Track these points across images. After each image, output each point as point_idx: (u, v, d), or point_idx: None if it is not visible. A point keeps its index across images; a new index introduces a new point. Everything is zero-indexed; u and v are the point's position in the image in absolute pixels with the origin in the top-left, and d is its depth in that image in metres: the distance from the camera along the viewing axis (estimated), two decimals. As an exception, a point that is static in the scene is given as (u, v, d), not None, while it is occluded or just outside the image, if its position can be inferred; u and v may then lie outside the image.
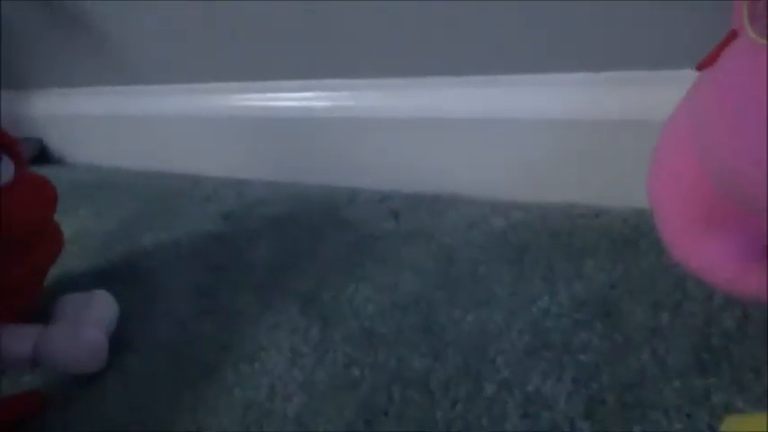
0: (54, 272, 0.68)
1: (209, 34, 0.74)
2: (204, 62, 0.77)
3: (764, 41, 0.30)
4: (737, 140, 0.31)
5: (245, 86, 0.77)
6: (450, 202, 0.63)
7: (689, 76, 0.38)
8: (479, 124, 0.60)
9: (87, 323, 0.58)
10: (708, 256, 0.36)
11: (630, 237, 0.52)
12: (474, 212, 0.61)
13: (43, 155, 1.03)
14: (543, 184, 0.59)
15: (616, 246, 0.52)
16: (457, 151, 0.63)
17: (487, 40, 0.57)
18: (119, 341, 0.61)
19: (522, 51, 0.56)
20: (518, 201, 0.60)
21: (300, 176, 0.76)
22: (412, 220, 0.63)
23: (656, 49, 0.50)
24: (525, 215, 0.58)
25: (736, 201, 0.33)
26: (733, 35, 0.34)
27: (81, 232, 0.81)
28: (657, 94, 0.47)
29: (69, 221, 0.79)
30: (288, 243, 0.67)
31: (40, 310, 0.63)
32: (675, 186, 0.37)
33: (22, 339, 0.57)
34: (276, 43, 0.70)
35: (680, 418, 0.40)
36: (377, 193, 0.69)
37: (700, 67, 0.35)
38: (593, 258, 0.52)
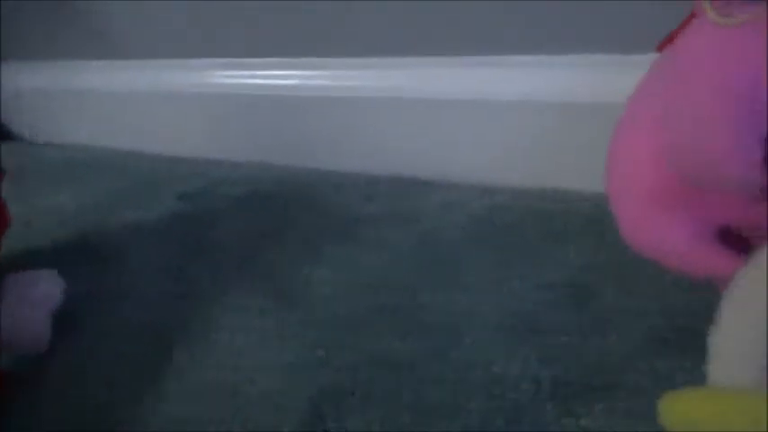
0: (13, 251, 0.66)
1: (188, 8, 0.72)
2: (182, 38, 0.75)
3: (724, 21, 0.30)
4: (693, 114, 0.31)
5: (223, 63, 0.75)
6: (430, 185, 0.63)
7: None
8: (463, 106, 0.60)
9: (29, 303, 0.57)
10: (661, 235, 0.37)
11: (608, 221, 0.52)
12: (454, 195, 0.61)
13: (1, 131, 1.00)
14: (525, 167, 0.59)
15: (595, 230, 0.52)
16: (440, 133, 0.62)
17: (476, 20, 0.56)
18: (83, 321, 0.60)
19: (510, 32, 0.55)
20: (499, 184, 0.60)
21: (278, 158, 0.75)
22: (391, 203, 0.63)
23: (640, 32, 0.49)
24: (505, 198, 0.58)
25: (693, 179, 0.34)
26: (692, 16, 0.34)
27: (43, 211, 0.79)
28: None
29: (31, 200, 0.78)
30: (261, 224, 0.66)
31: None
32: (632, 167, 0.37)
33: None
34: (259, 20, 0.68)
35: (644, 399, 0.40)
36: (356, 175, 0.68)
37: (659, 48, 0.35)
38: (571, 242, 0.52)
